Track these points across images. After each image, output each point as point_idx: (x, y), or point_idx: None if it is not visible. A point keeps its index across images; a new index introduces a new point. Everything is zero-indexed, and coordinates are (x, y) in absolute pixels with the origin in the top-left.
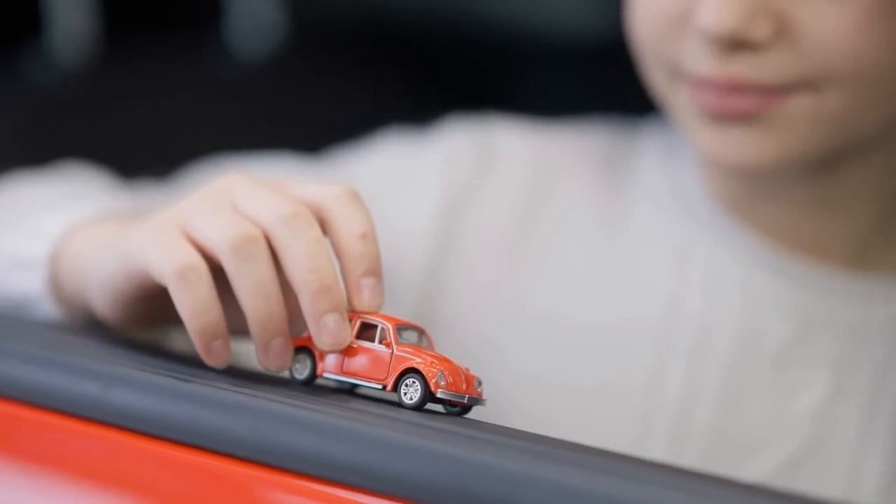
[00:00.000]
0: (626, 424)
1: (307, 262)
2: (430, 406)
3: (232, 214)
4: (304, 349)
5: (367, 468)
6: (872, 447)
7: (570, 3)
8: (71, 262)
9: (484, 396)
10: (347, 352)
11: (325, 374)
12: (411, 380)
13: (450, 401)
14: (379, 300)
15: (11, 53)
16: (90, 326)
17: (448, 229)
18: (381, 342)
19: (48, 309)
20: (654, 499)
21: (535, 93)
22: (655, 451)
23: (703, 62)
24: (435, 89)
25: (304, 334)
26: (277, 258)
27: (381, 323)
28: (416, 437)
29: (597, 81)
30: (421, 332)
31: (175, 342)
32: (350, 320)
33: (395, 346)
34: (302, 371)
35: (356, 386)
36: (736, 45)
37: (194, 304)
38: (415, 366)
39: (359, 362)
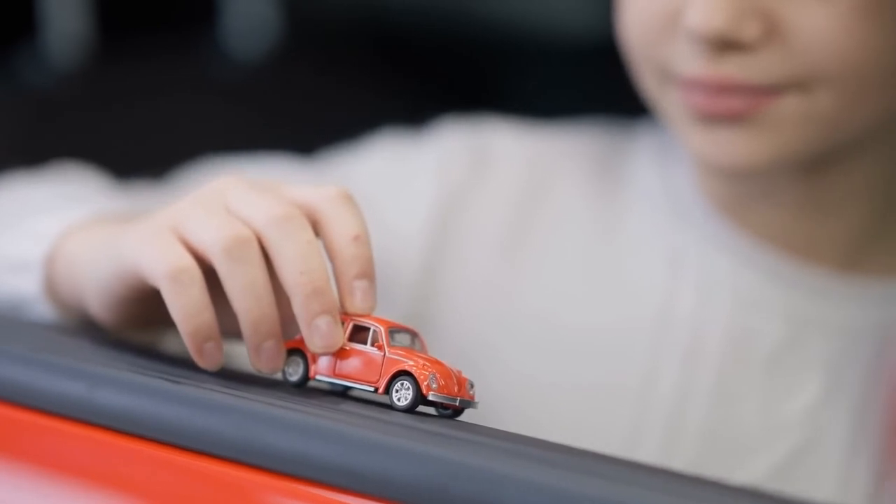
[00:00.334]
0: (620, 424)
1: (299, 264)
2: (421, 409)
3: (225, 216)
4: (297, 351)
5: (355, 470)
6: (863, 448)
7: (570, 3)
8: (66, 263)
9: (476, 399)
10: (340, 354)
11: (318, 377)
12: (403, 382)
13: (441, 403)
14: (371, 303)
15: (6, 54)
16: (85, 328)
17: (443, 230)
18: (373, 345)
19: (44, 310)
20: (641, 501)
21: (534, 93)
22: (648, 451)
23: (692, 63)
24: (433, 90)
25: (297, 336)
26: (270, 260)
27: (374, 325)
28: (403, 438)
29: (596, 82)
30: (413, 334)
31: (170, 344)
32: (342, 322)
33: (387, 349)
34: (294, 373)
35: (348, 388)
36: (725, 45)
37: (186, 306)
38: (407, 368)
39: (351, 365)
